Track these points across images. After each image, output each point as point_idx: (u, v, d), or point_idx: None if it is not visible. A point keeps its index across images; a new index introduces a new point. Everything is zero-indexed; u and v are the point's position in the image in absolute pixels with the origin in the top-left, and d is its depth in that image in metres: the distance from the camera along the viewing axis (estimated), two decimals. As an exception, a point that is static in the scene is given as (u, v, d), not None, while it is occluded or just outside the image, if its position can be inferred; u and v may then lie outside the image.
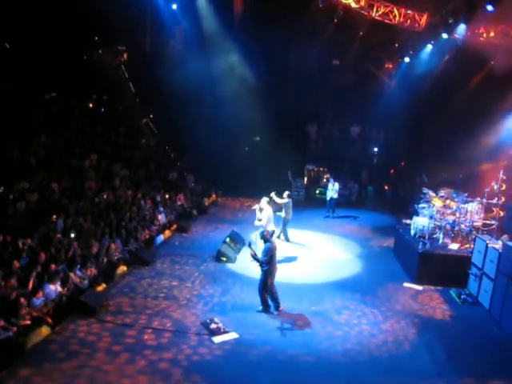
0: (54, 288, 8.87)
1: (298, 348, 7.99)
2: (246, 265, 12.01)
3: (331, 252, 13.74)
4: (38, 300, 8.43)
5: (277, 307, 9.28)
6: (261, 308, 9.24)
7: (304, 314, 9.29)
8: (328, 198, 18.10)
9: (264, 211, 12.35)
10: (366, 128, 24.95)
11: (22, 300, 8.03)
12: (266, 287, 9.19)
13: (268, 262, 9.06)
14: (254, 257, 9.33)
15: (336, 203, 18.13)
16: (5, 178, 11.99)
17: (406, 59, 21.81)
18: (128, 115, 21.18)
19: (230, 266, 11.90)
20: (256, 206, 12.57)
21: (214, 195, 19.79)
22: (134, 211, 13.82)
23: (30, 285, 8.61)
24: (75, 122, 17.77)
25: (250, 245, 9.55)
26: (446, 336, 8.88)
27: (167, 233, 14.12)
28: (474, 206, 12.65)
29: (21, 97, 16.19)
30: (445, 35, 18.11)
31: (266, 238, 9.29)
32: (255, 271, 11.26)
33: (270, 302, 9.29)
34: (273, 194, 13.56)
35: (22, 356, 7.18)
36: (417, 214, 13.41)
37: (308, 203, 20.17)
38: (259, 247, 9.90)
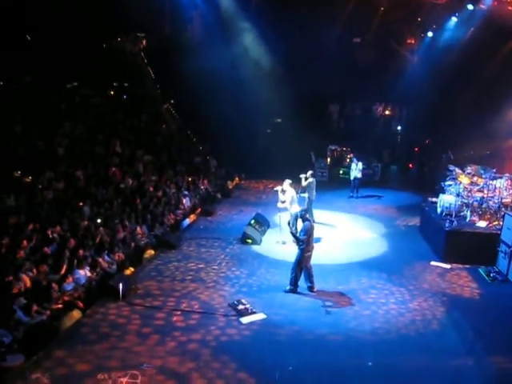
0: (84, 273, 9.07)
1: (325, 327, 8.01)
2: (271, 247, 12.05)
3: (356, 232, 13.68)
4: (69, 285, 8.63)
5: (311, 288, 9.31)
6: (288, 288, 9.28)
7: (331, 294, 9.31)
8: (352, 178, 17.96)
9: (287, 193, 12.31)
10: (388, 106, 24.53)
11: (54, 285, 8.24)
12: (301, 266, 9.25)
13: (306, 241, 9.10)
14: (294, 234, 9.38)
15: (360, 183, 17.98)
16: (32, 167, 12.23)
17: (429, 33, 21.24)
18: (149, 101, 21.28)
19: (255, 248, 11.97)
20: (278, 188, 12.54)
21: (237, 178, 19.86)
22: (159, 196, 13.96)
23: (63, 270, 8.81)
24: (97, 110, 17.95)
25: (289, 223, 9.65)
26: (474, 314, 8.79)
27: (192, 217, 14.25)
28: (502, 183, 12.35)
29: (43, 87, 16.41)
30: (470, 6, 17.53)
31: (304, 217, 9.34)
32: (280, 253, 11.33)
33: (305, 282, 9.31)
34: (303, 176, 13.53)
35: (56, 338, 7.40)
36: (443, 191, 13.18)
37: (332, 184, 20.05)
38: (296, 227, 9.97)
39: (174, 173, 16.63)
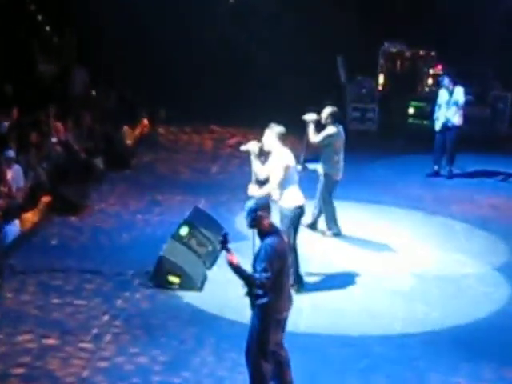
0: None
1: None
2: (231, 293, 12.10)
3: (442, 261, 14.01)
4: None
5: None
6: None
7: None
8: (438, 128, 18.24)
9: (273, 158, 12.42)
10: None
11: None
12: (266, 348, 9.31)
13: (271, 286, 9.09)
14: (239, 272, 9.32)
15: (458, 140, 18.30)
16: None
17: None
18: None
19: (188, 295, 12.12)
20: (250, 147, 12.58)
21: (145, 120, 20.14)
22: None
23: None
24: None
25: (224, 239, 9.36)
26: None
27: (30, 216, 14.36)
28: None
29: None
30: None
31: (263, 224, 9.23)
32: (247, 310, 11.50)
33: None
34: (311, 118, 13.63)
35: None
36: None
37: (386, 139, 20.56)
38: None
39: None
